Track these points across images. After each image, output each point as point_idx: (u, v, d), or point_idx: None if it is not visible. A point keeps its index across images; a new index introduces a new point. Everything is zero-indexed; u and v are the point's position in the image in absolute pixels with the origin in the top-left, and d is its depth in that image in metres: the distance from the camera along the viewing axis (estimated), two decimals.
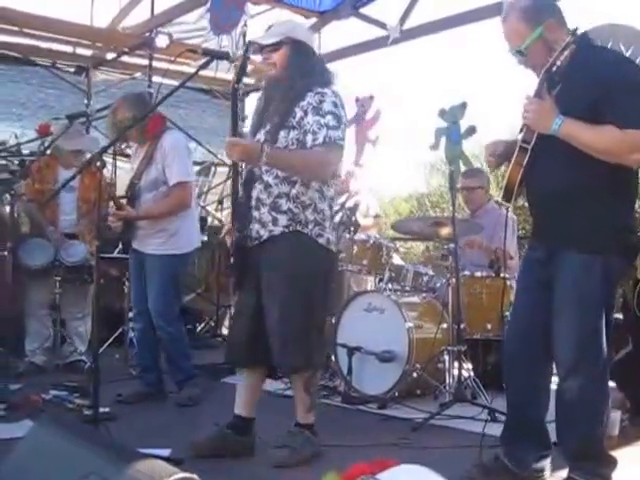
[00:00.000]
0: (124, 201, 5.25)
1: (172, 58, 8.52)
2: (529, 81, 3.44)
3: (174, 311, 5.35)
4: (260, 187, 3.86)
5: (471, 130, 7.77)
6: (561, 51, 3.20)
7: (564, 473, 3.42)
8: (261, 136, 3.90)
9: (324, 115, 3.76)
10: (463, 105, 7.86)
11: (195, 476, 1.98)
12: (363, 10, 8.97)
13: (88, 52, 9.65)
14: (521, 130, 3.42)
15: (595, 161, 3.21)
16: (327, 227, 3.93)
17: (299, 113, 3.80)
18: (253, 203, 3.86)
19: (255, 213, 3.86)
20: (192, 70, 9.35)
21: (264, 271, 3.88)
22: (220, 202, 9.17)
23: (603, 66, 3.29)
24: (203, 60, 4.43)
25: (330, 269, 4.17)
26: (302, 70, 3.89)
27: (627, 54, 6.20)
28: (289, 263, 3.82)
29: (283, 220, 3.82)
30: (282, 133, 3.81)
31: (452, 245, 5.44)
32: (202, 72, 9.89)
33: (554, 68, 3.24)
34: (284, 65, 3.90)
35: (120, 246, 5.94)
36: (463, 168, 7.33)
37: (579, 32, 3.32)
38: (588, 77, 3.26)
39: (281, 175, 3.82)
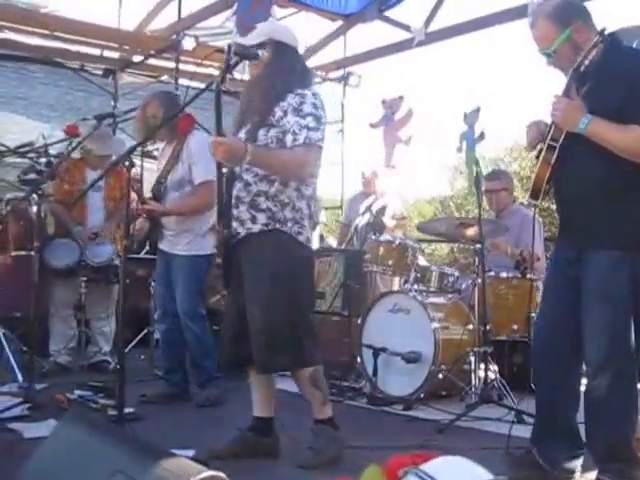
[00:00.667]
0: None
1: (198, 60, 8.58)
2: (555, 81, 3.44)
3: (201, 311, 5.33)
4: (239, 185, 3.83)
5: (481, 136, 7.77)
6: (589, 50, 3.20)
7: (594, 475, 3.36)
8: (242, 135, 3.87)
9: (304, 117, 3.75)
10: (477, 110, 7.86)
11: (222, 474, 1.93)
12: (388, 13, 8.98)
13: (115, 55, 9.73)
14: (550, 129, 3.39)
15: (622, 160, 3.19)
16: (306, 225, 3.90)
17: (279, 112, 3.78)
18: (233, 201, 3.84)
19: (234, 211, 3.83)
20: (210, 71, 9.42)
21: (246, 269, 3.84)
22: None
23: (630, 66, 3.27)
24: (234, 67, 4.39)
25: (310, 266, 4.15)
26: (283, 71, 3.87)
27: None
28: (270, 261, 3.77)
29: (262, 218, 3.79)
30: (261, 131, 3.79)
31: (478, 246, 5.37)
32: (229, 74, 10.02)
33: (582, 67, 3.24)
34: (265, 65, 3.88)
35: (147, 247, 5.91)
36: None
37: (607, 32, 3.29)
38: (615, 77, 3.24)
39: (260, 174, 3.80)
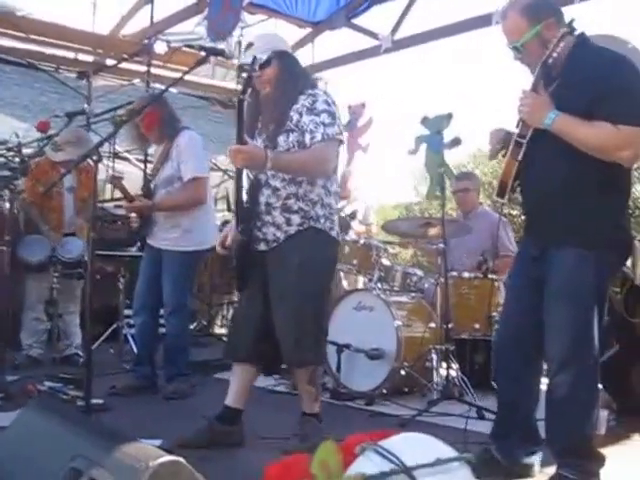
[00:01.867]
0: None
1: (170, 65, 8.55)
2: (518, 86, 3.38)
3: (186, 307, 5.33)
4: (268, 192, 3.87)
5: (456, 141, 7.72)
6: (557, 43, 3.16)
7: (553, 469, 3.33)
8: (259, 143, 3.91)
9: (319, 114, 3.78)
10: (449, 115, 7.83)
11: (181, 459, 1.88)
12: (356, 20, 8.98)
13: (89, 58, 9.66)
14: (517, 125, 3.35)
15: (589, 158, 3.15)
16: (335, 220, 3.99)
17: (295, 116, 3.81)
18: (263, 208, 3.87)
19: (267, 217, 3.86)
20: (189, 76, 9.37)
21: (278, 269, 3.85)
22: (214, 204, 9.12)
23: (600, 64, 3.23)
24: (205, 63, 4.41)
25: (336, 263, 4.24)
26: (290, 77, 3.92)
27: None
28: (308, 259, 3.81)
29: (296, 219, 3.84)
30: (281, 138, 3.81)
31: (441, 245, 5.35)
32: (199, 79, 10.00)
33: (550, 60, 3.20)
34: (275, 80, 3.90)
35: (139, 243, 5.88)
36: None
37: (577, 32, 3.28)
38: (585, 74, 3.21)
39: (287, 178, 3.83)
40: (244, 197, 3.91)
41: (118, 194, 5.87)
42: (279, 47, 4.00)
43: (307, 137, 3.77)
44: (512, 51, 3.37)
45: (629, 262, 4.12)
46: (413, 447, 1.90)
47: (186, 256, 5.22)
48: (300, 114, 3.81)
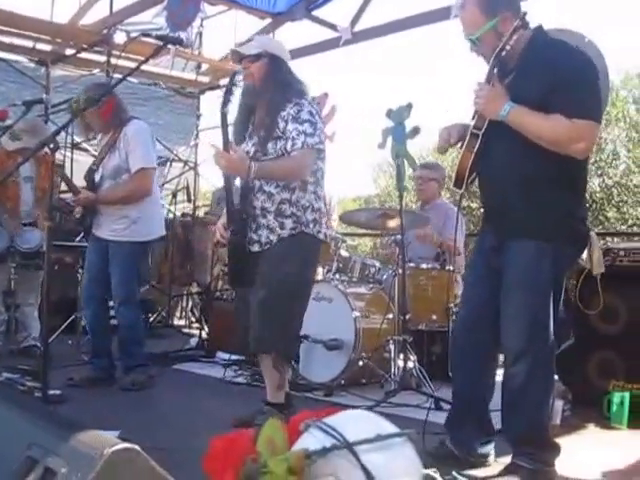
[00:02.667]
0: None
1: (130, 55, 8.47)
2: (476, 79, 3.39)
3: (135, 298, 5.30)
4: (263, 197, 4.07)
5: (415, 130, 7.77)
6: (510, 35, 3.17)
7: (508, 459, 3.37)
8: (249, 148, 4.13)
9: (302, 123, 3.98)
10: (409, 106, 7.83)
11: (136, 447, 1.89)
12: (316, 12, 8.97)
13: (48, 47, 9.52)
14: (473, 117, 3.37)
15: (546, 151, 3.17)
16: (323, 223, 4.22)
17: (281, 123, 4.01)
18: (259, 212, 4.09)
19: (263, 221, 4.09)
20: (149, 66, 9.34)
21: (267, 267, 4.06)
22: (174, 195, 9.09)
23: (556, 56, 3.24)
24: (160, 55, 4.41)
25: (317, 262, 4.54)
26: (279, 83, 4.09)
27: None
28: (292, 258, 4.04)
29: (289, 223, 4.07)
30: (270, 144, 4.04)
31: (399, 236, 5.39)
32: (159, 70, 9.95)
33: (503, 53, 3.21)
34: (262, 76, 4.11)
35: (82, 234, 5.83)
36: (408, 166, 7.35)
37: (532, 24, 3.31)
38: (541, 66, 3.22)
39: (281, 184, 4.06)
40: (235, 200, 4.13)
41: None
42: (273, 50, 4.17)
43: (289, 144, 3.99)
44: (468, 42, 3.38)
45: (585, 254, 4.17)
46: (355, 423, 1.94)
47: (134, 247, 5.20)
48: (286, 122, 4.00)
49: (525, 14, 3.28)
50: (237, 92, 4.16)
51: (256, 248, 4.11)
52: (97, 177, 5.25)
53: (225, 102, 4.06)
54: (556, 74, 3.16)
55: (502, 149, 3.29)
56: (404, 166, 6.65)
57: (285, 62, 4.23)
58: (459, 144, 3.52)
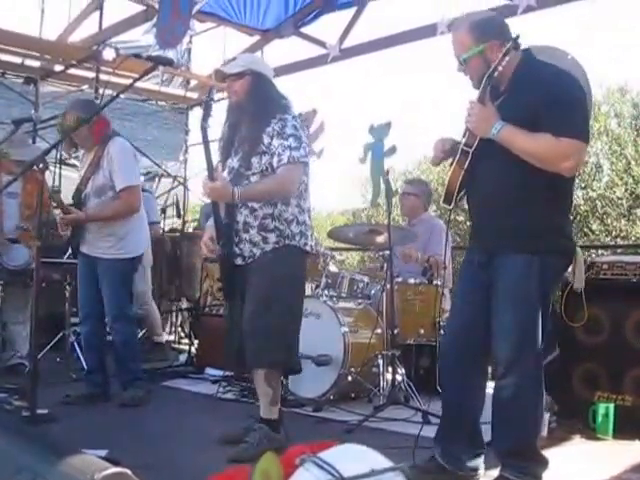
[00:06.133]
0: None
1: (119, 71, 8.47)
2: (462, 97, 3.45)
3: (129, 313, 5.30)
4: (246, 212, 4.07)
5: (392, 150, 7.88)
6: (502, 57, 3.23)
7: (497, 472, 3.37)
8: (234, 164, 4.14)
9: (287, 138, 4.01)
10: (388, 124, 7.98)
11: (127, 471, 1.87)
12: (304, 29, 8.99)
13: (37, 64, 9.50)
14: (464, 134, 3.41)
15: (534, 168, 3.22)
16: (310, 235, 4.23)
17: (266, 139, 4.04)
18: (241, 226, 4.09)
19: (245, 235, 4.09)
20: (138, 83, 9.34)
21: (254, 281, 4.07)
22: (163, 211, 9.05)
23: (544, 77, 3.31)
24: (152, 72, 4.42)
25: (305, 275, 4.52)
26: (262, 99, 4.12)
27: None
28: (279, 272, 4.05)
29: (272, 237, 4.07)
30: (255, 159, 4.05)
31: (387, 252, 5.39)
32: (147, 86, 9.95)
33: (495, 73, 3.26)
34: (245, 93, 4.14)
35: (70, 251, 5.80)
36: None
37: (522, 47, 3.37)
38: (530, 88, 3.29)
39: None
40: (222, 214, 4.12)
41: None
42: (256, 67, 4.21)
43: (275, 160, 4.01)
44: (457, 62, 3.44)
45: (570, 268, 4.21)
46: (351, 458, 1.93)
47: (122, 263, 5.20)
48: (271, 137, 4.03)
49: (517, 37, 3.33)
50: (216, 107, 4.17)
51: (239, 261, 4.11)
52: (83, 196, 5.24)
53: (205, 117, 4.06)
54: (545, 94, 3.22)
55: (492, 166, 3.33)
56: (380, 183, 6.72)
57: (268, 79, 4.26)
58: (450, 160, 3.55)
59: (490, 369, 3.62)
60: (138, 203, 5.24)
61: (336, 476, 1.81)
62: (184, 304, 9.07)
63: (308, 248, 4.21)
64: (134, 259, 5.30)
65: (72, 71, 9.53)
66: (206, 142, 4.05)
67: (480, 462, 3.56)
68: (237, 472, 2.02)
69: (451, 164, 3.50)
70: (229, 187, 3.93)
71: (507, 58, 3.24)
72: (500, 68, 3.24)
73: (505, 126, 3.22)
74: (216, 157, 4.22)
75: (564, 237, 3.43)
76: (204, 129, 4.05)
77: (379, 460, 1.93)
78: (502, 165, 3.29)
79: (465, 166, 3.38)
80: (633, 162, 20.99)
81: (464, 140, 3.40)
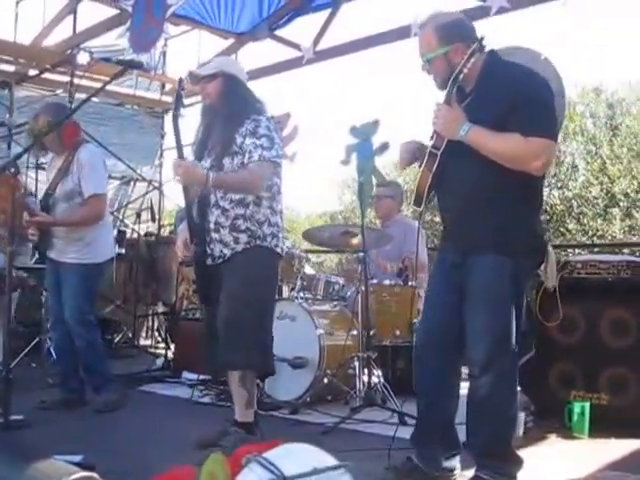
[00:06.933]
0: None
1: (94, 75, 8.43)
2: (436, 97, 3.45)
3: (89, 318, 5.22)
4: (217, 212, 4.09)
5: (384, 146, 7.82)
6: (467, 58, 3.24)
7: (472, 472, 3.39)
8: (207, 164, 4.14)
9: (259, 138, 4.03)
10: (375, 122, 7.90)
11: (95, 475, 1.86)
12: (279, 32, 8.98)
13: (11, 68, 9.46)
14: (431, 137, 3.41)
15: (504, 168, 3.22)
16: (281, 237, 4.25)
17: (239, 139, 4.06)
18: (212, 226, 4.10)
19: (215, 235, 4.10)
20: (112, 86, 9.30)
21: (226, 282, 4.08)
22: (138, 215, 9.03)
23: (511, 77, 3.32)
24: (122, 76, 4.41)
25: (278, 277, 4.54)
26: (235, 100, 4.15)
27: None
28: (250, 272, 4.06)
29: (244, 238, 4.09)
30: (227, 160, 4.07)
31: (362, 254, 5.40)
32: (122, 89, 9.92)
33: (461, 76, 3.27)
34: (218, 95, 4.17)
35: (37, 256, 5.77)
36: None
37: (487, 48, 3.39)
38: (497, 88, 3.30)
39: (235, 199, 4.08)
40: (193, 214, 4.13)
41: None
42: (229, 69, 4.24)
43: (246, 157, 4.02)
44: (422, 61, 3.45)
45: (542, 267, 4.23)
46: (294, 457, 1.96)
47: (86, 268, 5.16)
48: (244, 137, 4.05)
49: (482, 39, 3.34)
50: (191, 111, 4.18)
51: (209, 262, 4.13)
52: (51, 200, 5.23)
53: (176, 106, 4.08)
54: (512, 94, 3.23)
55: (461, 167, 3.33)
56: (370, 183, 6.70)
57: (241, 80, 4.28)
58: (418, 162, 3.55)
59: (465, 370, 3.62)
60: (104, 211, 5.26)
61: (278, 475, 1.83)
62: (160, 308, 9.04)
63: (279, 250, 4.22)
64: (99, 265, 5.27)
65: (46, 75, 9.50)
66: (177, 130, 4.04)
67: (456, 462, 3.56)
68: (181, 472, 2.03)
69: (420, 166, 3.50)
70: (201, 169, 3.98)
71: (472, 60, 3.25)
72: (465, 70, 3.25)
73: (473, 127, 3.23)
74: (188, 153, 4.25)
75: (536, 236, 3.45)
76: (175, 117, 4.06)
77: (323, 459, 1.95)
78: (472, 166, 3.29)
79: (433, 168, 3.38)
80: (608, 162, 21.15)
81: (432, 142, 3.40)
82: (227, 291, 4.05)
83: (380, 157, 7.72)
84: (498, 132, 3.21)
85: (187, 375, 6.37)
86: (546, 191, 21.71)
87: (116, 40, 8.36)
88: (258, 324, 4.07)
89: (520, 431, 4.36)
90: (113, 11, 8.42)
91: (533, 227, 3.43)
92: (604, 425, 4.52)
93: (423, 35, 3.45)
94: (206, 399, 5.59)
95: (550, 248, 3.68)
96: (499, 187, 3.28)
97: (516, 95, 3.22)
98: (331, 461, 1.93)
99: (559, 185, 22.11)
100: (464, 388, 3.51)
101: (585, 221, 21.29)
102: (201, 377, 6.08)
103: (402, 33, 7.59)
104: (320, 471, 1.89)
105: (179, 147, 4.01)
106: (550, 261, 4.27)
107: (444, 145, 3.34)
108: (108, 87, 8.93)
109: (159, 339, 8.98)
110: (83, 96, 8.41)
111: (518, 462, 3.38)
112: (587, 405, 4.58)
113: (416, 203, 3.52)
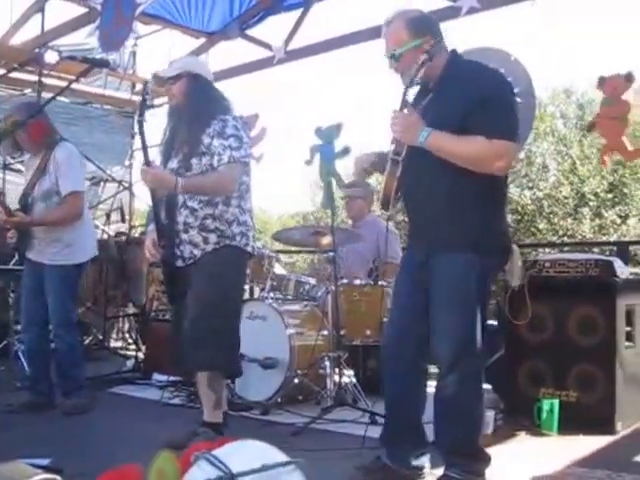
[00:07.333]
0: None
1: (62, 74, 8.35)
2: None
3: (73, 320, 5.23)
4: (186, 212, 4.10)
5: (345, 150, 7.92)
6: (423, 61, 3.24)
7: (441, 470, 3.40)
8: (174, 165, 4.14)
9: (227, 138, 4.04)
10: (338, 126, 8.03)
11: (58, 477, 1.85)
12: (250, 32, 8.95)
13: None
14: (392, 142, 3.41)
15: (466, 168, 3.24)
16: (251, 236, 4.24)
17: (206, 140, 4.06)
18: (181, 227, 4.11)
19: (184, 236, 4.11)
20: (82, 86, 9.24)
21: (193, 282, 4.10)
22: (108, 216, 8.97)
23: (474, 78, 3.35)
24: (90, 74, 4.38)
25: (245, 276, 4.64)
26: (201, 99, 4.16)
27: None
28: (219, 272, 4.07)
29: (213, 238, 4.10)
30: (194, 160, 4.07)
31: (331, 253, 5.40)
32: (92, 89, 9.82)
33: (418, 79, 3.30)
34: (183, 95, 4.17)
35: (16, 257, 5.73)
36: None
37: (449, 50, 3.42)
38: (460, 87, 3.31)
39: (204, 199, 4.08)
40: (161, 215, 4.12)
41: None
42: (193, 69, 4.25)
43: (215, 159, 4.03)
44: (389, 59, 3.43)
45: (507, 265, 4.26)
46: (242, 454, 1.97)
47: (68, 270, 5.14)
48: (212, 138, 4.05)
49: (440, 40, 3.38)
50: (159, 112, 4.19)
51: (180, 263, 4.14)
52: (29, 200, 5.18)
53: (141, 112, 4.09)
54: (474, 95, 3.25)
55: (424, 169, 3.35)
56: (341, 180, 6.77)
57: (207, 79, 4.30)
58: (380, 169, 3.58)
59: (433, 368, 3.64)
60: (82, 209, 5.20)
61: (226, 472, 1.84)
62: (131, 309, 8.99)
63: (249, 249, 4.23)
64: (80, 265, 5.24)
65: (14, 74, 9.36)
66: (143, 135, 4.06)
67: (425, 461, 3.58)
68: (128, 470, 2.03)
69: (383, 172, 3.51)
70: (170, 175, 3.98)
71: (428, 64, 3.27)
72: (420, 74, 3.27)
73: (432, 132, 3.24)
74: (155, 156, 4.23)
75: (501, 235, 3.47)
76: (140, 122, 4.07)
77: (273, 455, 1.96)
78: (434, 167, 3.31)
79: (397, 174, 3.39)
80: (578, 162, 21.36)
81: (392, 148, 3.40)
82: (194, 292, 4.05)
83: (341, 160, 7.84)
84: (458, 135, 3.22)
85: (157, 377, 6.35)
86: (517, 191, 21.89)
87: (85, 39, 8.30)
88: (224, 325, 4.07)
89: (490, 429, 4.39)
90: (82, 9, 8.33)
91: (498, 225, 3.46)
92: (573, 422, 4.57)
93: (392, 30, 3.44)
94: (176, 401, 5.57)
95: (515, 247, 3.70)
96: (463, 186, 3.29)
97: (479, 95, 3.24)
98: (281, 457, 1.94)
99: (530, 185, 22.29)
100: (432, 387, 3.53)
101: (555, 221, 21.49)
102: (171, 379, 6.07)
103: (373, 33, 7.59)
104: (269, 467, 1.89)
105: (145, 152, 4.00)
106: (514, 259, 4.30)
107: (405, 151, 3.35)
108: (77, 87, 8.99)
109: (130, 341, 8.93)
110: (50, 95, 8.40)
111: (486, 459, 3.41)
112: (556, 402, 4.62)
113: (384, 207, 3.55)
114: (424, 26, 3.41)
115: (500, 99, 3.28)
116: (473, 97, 3.23)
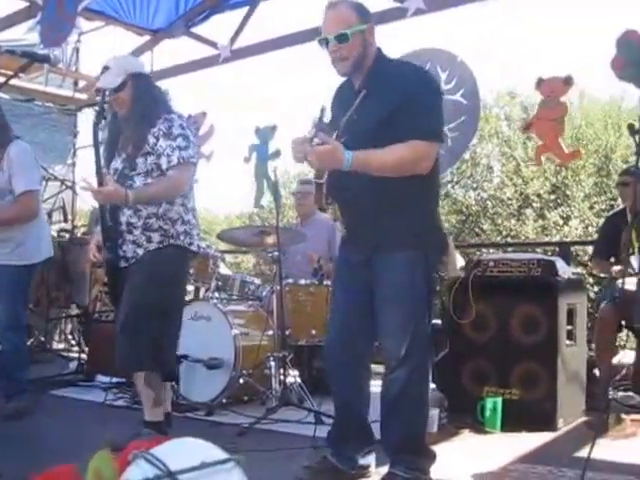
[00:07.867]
0: None
1: (2, 70, 8.20)
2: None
3: (22, 322, 5.11)
4: (129, 212, 4.04)
5: (277, 153, 8.02)
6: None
7: (386, 468, 3.42)
8: (118, 165, 4.11)
9: (175, 138, 4.00)
10: (273, 128, 8.14)
11: None
12: (195, 29, 8.90)
13: None
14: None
15: None
16: (195, 235, 4.21)
17: (152, 139, 4.01)
18: (124, 228, 4.06)
19: (128, 236, 4.06)
20: (23, 82, 9.09)
21: (130, 280, 4.05)
22: (50, 215, 8.83)
23: (402, 77, 3.38)
24: (30, 70, 4.31)
25: (187, 275, 4.60)
26: (147, 99, 4.11)
27: (443, 77, 6.43)
28: (159, 272, 4.03)
29: (156, 237, 4.05)
30: (140, 160, 4.02)
31: (276, 253, 5.40)
32: (33, 86, 9.67)
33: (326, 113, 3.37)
34: (132, 100, 4.11)
35: None
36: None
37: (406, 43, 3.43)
38: (389, 87, 3.34)
39: None
40: (107, 216, 4.06)
41: None
42: (134, 69, 4.18)
43: (164, 160, 3.98)
44: (334, 41, 3.33)
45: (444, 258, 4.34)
46: (182, 452, 1.97)
47: (19, 270, 5.02)
48: (157, 138, 4.00)
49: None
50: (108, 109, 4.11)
51: (123, 263, 4.09)
52: None
53: (98, 121, 4.02)
54: (402, 94, 3.28)
55: (355, 177, 3.29)
56: (264, 185, 6.80)
57: (148, 77, 4.31)
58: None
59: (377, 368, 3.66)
60: (37, 208, 5.10)
61: (164, 470, 1.84)
62: (74, 310, 8.87)
63: (194, 248, 4.20)
64: (32, 266, 5.14)
65: None
66: (96, 141, 4.01)
67: (371, 459, 3.61)
68: (63, 470, 2.01)
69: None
70: (120, 190, 3.88)
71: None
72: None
73: (354, 155, 3.18)
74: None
75: (437, 229, 3.54)
76: (96, 132, 4.03)
77: (213, 453, 1.96)
78: (365, 173, 3.28)
79: (323, 193, 3.36)
80: (522, 164, 21.66)
81: (314, 173, 3.40)
82: (130, 289, 4.02)
83: (273, 162, 7.94)
84: (389, 132, 3.23)
85: (101, 378, 6.29)
86: (462, 192, 22.12)
87: (25, 34, 8.18)
88: (155, 324, 3.99)
89: (434, 428, 4.43)
90: (22, 3, 8.18)
91: (433, 221, 3.51)
92: (515, 419, 4.62)
93: (339, 12, 3.36)
94: (120, 402, 5.51)
95: (450, 239, 3.75)
96: (398, 186, 3.29)
97: (405, 94, 3.27)
98: (221, 455, 1.94)
99: (474, 186, 22.56)
100: (376, 386, 3.55)
101: (499, 221, 21.77)
102: (115, 380, 6.00)
103: (313, 34, 7.62)
104: (208, 465, 1.89)
105: (97, 160, 3.96)
106: (450, 252, 4.35)
107: (326, 175, 3.32)
108: (18, 83, 8.83)
109: (72, 342, 8.81)
110: None
111: (431, 457, 3.45)
112: (499, 400, 4.67)
113: (320, 210, 3.63)
114: (368, 13, 3.44)
115: (423, 98, 3.30)
116: (400, 96, 3.26)
